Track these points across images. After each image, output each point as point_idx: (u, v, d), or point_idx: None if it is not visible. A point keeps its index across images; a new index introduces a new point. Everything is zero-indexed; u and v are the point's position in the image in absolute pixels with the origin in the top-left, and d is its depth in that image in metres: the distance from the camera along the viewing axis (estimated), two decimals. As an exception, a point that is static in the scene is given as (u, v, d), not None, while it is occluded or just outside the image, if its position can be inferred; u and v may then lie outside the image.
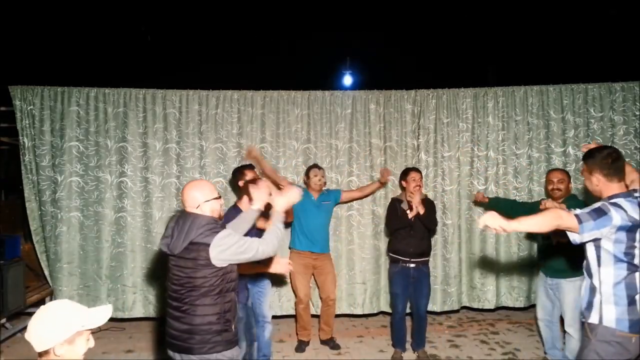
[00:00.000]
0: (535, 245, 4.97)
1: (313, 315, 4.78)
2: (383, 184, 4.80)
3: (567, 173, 4.03)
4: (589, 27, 8.55)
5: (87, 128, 4.77)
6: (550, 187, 3.92)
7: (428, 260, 4.31)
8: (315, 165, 4.58)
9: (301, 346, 4.48)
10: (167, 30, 9.25)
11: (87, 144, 4.77)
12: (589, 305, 2.38)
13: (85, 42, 8.90)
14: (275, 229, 2.53)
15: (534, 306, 5.14)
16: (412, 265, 4.17)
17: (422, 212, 4.10)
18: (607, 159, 2.41)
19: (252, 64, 9.63)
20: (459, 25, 9.48)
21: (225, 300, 2.40)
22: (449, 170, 5.00)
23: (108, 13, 8.65)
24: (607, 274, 2.32)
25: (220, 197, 2.55)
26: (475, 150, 5.02)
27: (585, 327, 2.40)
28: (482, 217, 2.33)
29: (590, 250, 2.37)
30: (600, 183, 2.42)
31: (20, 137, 4.74)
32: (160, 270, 4.82)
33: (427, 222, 4.21)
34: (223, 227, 2.45)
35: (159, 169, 4.83)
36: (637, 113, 4.86)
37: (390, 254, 4.37)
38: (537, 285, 4.17)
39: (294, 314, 4.69)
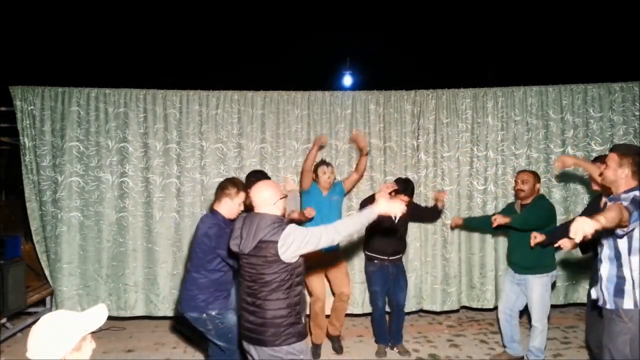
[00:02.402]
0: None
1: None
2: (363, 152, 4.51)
3: (533, 174, 4.09)
4: (589, 27, 8.56)
5: (87, 128, 4.78)
6: (516, 187, 4.10)
7: (401, 257, 4.48)
8: (323, 162, 4.36)
9: (316, 351, 4.30)
10: (168, 31, 9.26)
11: (88, 144, 4.78)
12: (620, 293, 2.60)
13: (86, 42, 8.90)
14: (356, 221, 2.63)
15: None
16: (391, 263, 4.31)
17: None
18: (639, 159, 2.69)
19: (252, 65, 9.63)
20: (459, 25, 9.49)
21: (294, 294, 2.55)
22: (448, 170, 5.01)
23: (108, 13, 8.65)
24: (636, 262, 2.56)
25: (286, 196, 2.73)
26: (475, 151, 5.03)
27: (620, 314, 2.60)
28: (575, 229, 2.18)
29: (621, 242, 2.58)
30: (625, 177, 2.64)
31: (21, 138, 4.75)
32: (162, 270, 4.84)
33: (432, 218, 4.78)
34: (287, 223, 2.58)
35: (160, 169, 4.84)
36: (637, 113, 4.88)
37: (368, 253, 4.40)
38: (503, 279, 4.38)
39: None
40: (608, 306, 2.66)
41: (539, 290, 3.94)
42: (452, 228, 4.85)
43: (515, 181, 4.11)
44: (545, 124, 4.97)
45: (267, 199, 2.58)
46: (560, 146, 4.93)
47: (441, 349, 4.49)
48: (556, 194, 4.94)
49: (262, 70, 9.05)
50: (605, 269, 2.68)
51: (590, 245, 3.30)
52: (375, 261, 4.32)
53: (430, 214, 4.70)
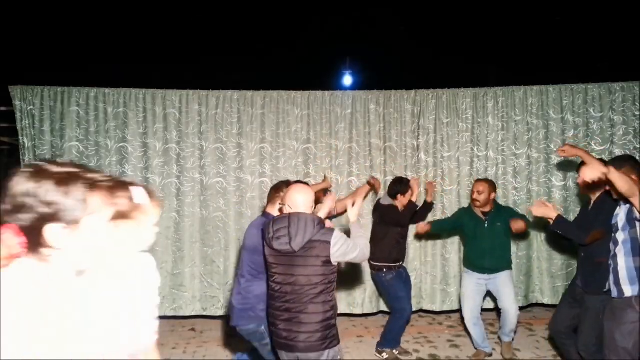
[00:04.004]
0: (534, 246, 4.99)
1: None
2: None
3: (488, 184, 4.23)
4: (589, 27, 8.56)
5: (87, 128, 4.78)
6: (472, 196, 4.28)
7: None
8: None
9: None
10: (169, 30, 9.25)
11: (87, 144, 4.78)
12: (639, 280, 2.74)
13: (86, 42, 8.90)
14: (361, 234, 2.72)
15: (532, 305, 5.18)
16: (401, 267, 4.38)
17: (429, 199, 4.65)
18: None
19: (251, 64, 9.63)
20: (459, 25, 9.48)
21: (333, 298, 2.56)
22: (448, 170, 5.01)
23: (108, 13, 8.65)
24: None
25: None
26: (475, 151, 5.02)
27: (632, 302, 2.74)
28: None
29: None
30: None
31: (20, 137, 4.74)
32: (162, 270, 4.82)
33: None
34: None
35: (159, 169, 4.83)
36: (637, 113, 4.87)
37: (385, 263, 4.25)
38: (464, 286, 4.34)
39: None
40: (627, 294, 2.76)
41: (510, 282, 4.17)
42: (419, 235, 4.67)
43: (472, 190, 4.29)
44: (545, 123, 4.97)
45: (310, 202, 2.63)
46: (561, 146, 4.92)
47: (441, 349, 4.48)
48: (556, 194, 4.93)
49: (261, 70, 9.04)
50: (622, 262, 2.80)
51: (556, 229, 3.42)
52: (392, 269, 4.25)
53: (423, 212, 4.69)
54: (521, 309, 5.11)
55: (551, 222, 3.31)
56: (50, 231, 1.03)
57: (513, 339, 4.34)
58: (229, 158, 4.90)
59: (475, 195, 4.19)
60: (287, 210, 2.64)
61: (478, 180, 4.37)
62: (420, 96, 5.05)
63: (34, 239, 1.03)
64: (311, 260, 2.47)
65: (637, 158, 4.74)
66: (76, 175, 1.05)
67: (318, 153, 4.98)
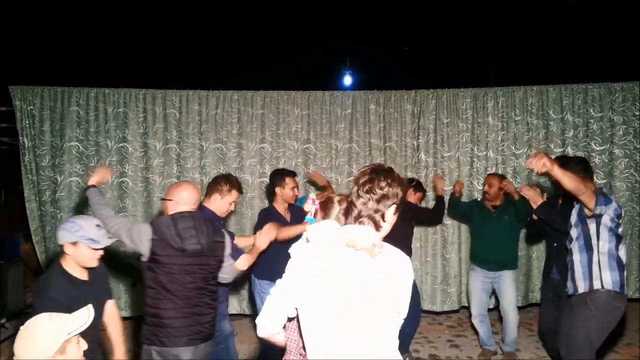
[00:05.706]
0: (534, 246, 4.99)
1: None
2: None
3: (498, 178, 4.18)
4: (589, 27, 8.56)
5: (87, 128, 4.78)
6: (484, 188, 4.30)
7: None
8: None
9: None
10: (169, 31, 9.26)
11: (87, 144, 4.78)
12: (589, 276, 2.84)
13: (86, 42, 8.90)
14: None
15: (532, 305, 5.18)
16: None
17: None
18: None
19: (251, 64, 9.63)
20: (459, 25, 9.48)
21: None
22: (448, 170, 5.01)
23: (108, 13, 8.65)
24: (605, 247, 2.86)
25: None
26: (475, 151, 5.03)
27: (586, 298, 2.82)
28: (534, 159, 2.66)
29: (591, 227, 2.89)
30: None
31: (20, 137, 4.74)
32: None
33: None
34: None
35: (160, 169, 4.84)
36: (637, 113, 4.87)
37: None
38: (471, 283, 4.32)
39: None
40: (580, 291, 2.86)
41: (513, 284, 4.13)
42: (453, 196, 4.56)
43: (484, 183, 4.32)
44: (545, 124, 4.97)
45: (196, 199, 2.65)
46: (561, 146, 4.92)
47: (441, 349, 4.48)
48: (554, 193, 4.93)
49: (261, 70, 9.04)
50: (577, 258, 2.93)
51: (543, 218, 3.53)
52: None
53: (434, 214, 4.48)
54: (520, 308, 5.11)
55: (535, 206, 3.45)
56: (391, 211, 1.61)
57: (517, 350, 4.23)
58: (229, 158, 4.90)
59: (486, 189, 4.21)
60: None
61: (490, 175, 4.39)
62: (420, 96, 5.05)
63: (382, 215, 1.61)
64: (213, 259, 2.58)
65: (637, 158, 4.79)
66: (398, 176, 1.65)
67: (318, 153, 4.99)
